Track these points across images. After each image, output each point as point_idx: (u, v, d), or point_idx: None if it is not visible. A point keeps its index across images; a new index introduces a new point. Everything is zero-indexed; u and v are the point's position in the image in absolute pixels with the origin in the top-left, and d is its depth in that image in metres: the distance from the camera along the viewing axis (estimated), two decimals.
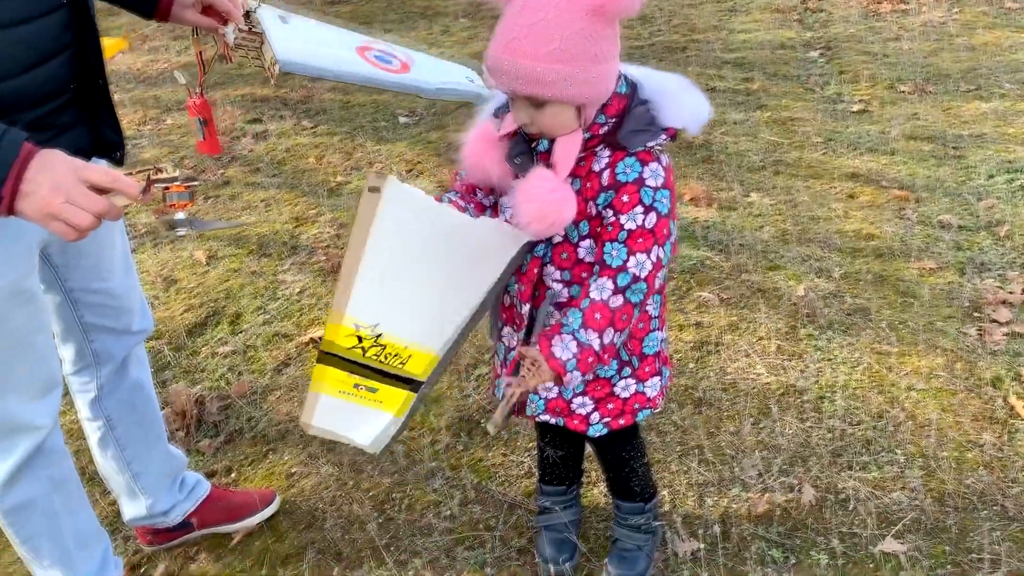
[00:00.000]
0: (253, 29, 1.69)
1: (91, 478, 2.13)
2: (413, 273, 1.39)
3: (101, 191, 1.22)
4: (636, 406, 1.68)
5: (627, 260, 1.44)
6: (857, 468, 2.14)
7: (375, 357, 1.44)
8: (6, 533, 1.69)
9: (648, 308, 1.60)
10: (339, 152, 4.62)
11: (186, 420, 2.48)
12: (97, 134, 1.54)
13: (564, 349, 1.43)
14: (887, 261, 3.11)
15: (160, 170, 1.32)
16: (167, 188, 1.32)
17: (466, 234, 1.39)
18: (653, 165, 1.45)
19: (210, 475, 2.28)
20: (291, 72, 1.64)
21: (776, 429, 2.29)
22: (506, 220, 1.51)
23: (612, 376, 1.63)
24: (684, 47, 5.77)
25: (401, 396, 1.53)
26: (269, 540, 2.08)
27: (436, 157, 4.41)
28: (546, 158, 1.51)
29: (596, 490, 2.13)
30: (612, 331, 1.45)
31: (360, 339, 1.40)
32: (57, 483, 1.68)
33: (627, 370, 1.63)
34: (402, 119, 5.10)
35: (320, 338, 2.88)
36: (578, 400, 1.65)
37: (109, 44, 6.08)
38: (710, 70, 5.43)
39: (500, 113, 1.56)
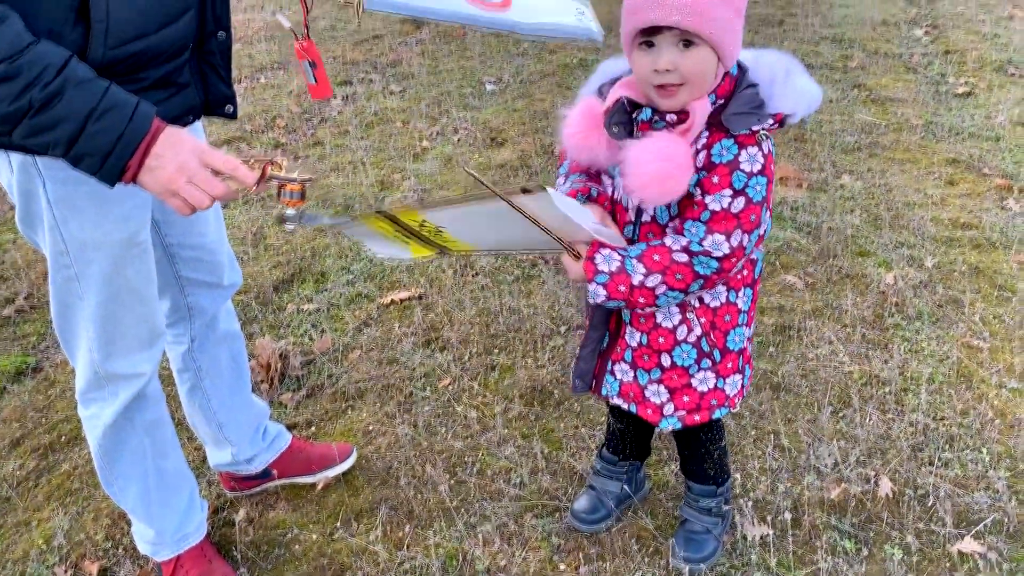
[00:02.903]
0: None
1: (179, 423, 2.23)
2: (489, 225, 1.42)
3: (218, 174, 1.30)
4: (713, 402, 1.62)
5: (704, 238, 1.41)
6: (939, 464, 2.08)
7: (426, 234, 1.48)
8: (97, 470, 1.78)
9: (738, 302, 1.55)
10: (425, 117, 4.66)
11: (270, 373, 2.57)
12: (209, 91, 1.59)
13: (605, 262, 1.41)
14: (984, 252, 2.99)
15: (279, 164, 1.35)
16: (283, 186, 1.36)
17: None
18: (752, 149, 1.39)
19: (291, 427, 2.36)
20: (376, 10, 1.56)
21: (855, 419, 2.24)
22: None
23: (690, 366, 1.58)
24: (781, 20, 5.61)
25: (428, 251, 1.58)
26: (345, 494, 2.15)
27: (520, 126, 4.41)
28: (646, 128, 1.46)
29: (667, 468, 2.13)
30: (659, 279, 1.41)
31: (423, 224, 1.43)
32: (149, 426, 1.76)
33: (707, 362, 1.58)
34: (488, 86, 5.10)
35: (400, 299, 2.93)
36: (652, 388, 1.62)
37: None
38: (807, 45, 5.26)
39: (604, 90, 1.50)
